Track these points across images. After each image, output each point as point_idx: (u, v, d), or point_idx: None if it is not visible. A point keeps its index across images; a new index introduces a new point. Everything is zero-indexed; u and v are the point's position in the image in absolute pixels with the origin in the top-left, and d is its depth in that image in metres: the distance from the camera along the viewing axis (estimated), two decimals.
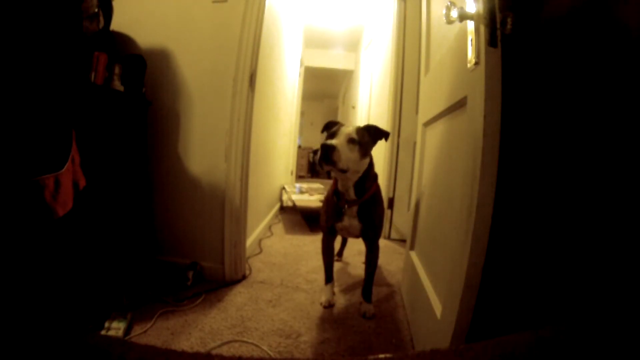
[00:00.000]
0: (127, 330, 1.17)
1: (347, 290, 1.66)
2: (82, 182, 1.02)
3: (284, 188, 3.90)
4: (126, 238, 1.45)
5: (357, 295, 1.56)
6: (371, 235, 1.44)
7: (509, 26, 0.74)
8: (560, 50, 0.72)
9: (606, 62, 0.61)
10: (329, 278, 1.54)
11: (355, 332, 1.27)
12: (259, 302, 1.47)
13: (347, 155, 1.21)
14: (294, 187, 4.02)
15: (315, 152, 8.96)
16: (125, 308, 1.26)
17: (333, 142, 1.19)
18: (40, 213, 0.85)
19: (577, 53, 0.68)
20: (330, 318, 1.37)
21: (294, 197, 3.43)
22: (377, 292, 1.63)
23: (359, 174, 1.31)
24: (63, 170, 0.89)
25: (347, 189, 1.34)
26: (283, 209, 3.71)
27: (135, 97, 1.49)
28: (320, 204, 1.32)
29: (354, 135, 1.22)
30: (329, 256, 1.54)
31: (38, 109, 0.85)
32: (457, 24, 0.92)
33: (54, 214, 0.87)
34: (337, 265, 1.94)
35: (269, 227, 2.83)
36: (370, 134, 1.31)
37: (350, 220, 1.37)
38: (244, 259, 1.78)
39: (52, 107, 0.90)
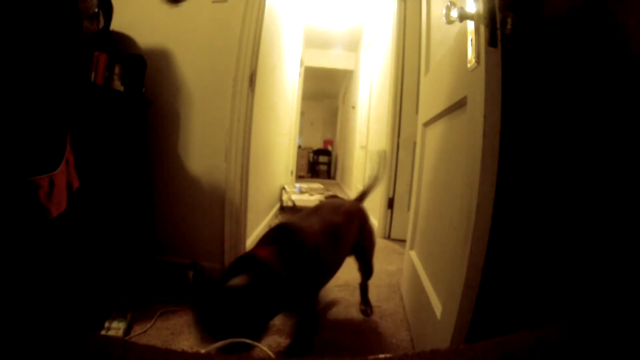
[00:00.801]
0: (127, 330, 1.17)
1: (347, 290, 1.66)
2: (76, 184, 1.01)
3: (284, 188, 3.90)
4: (127, 238, 1.45)
5: (356, 296, 1.56)
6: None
7: (509, 26, 0.74)
8: (560, 50, 0.72)
9: (605, 61, 0.61)
10: None
11: (356, 332, 1.27)
12: None
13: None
14: (294, 187, 4.02)
15: (315, 152, 8.97)
16: (125, 308, 1.26)
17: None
18: (35, 213, 0.85)
19: (577, 53, 0.68)
20: (330, 318, 1.37)
21: (294, 197, 3.44)
22: (377, 292, 1.63)
23: None
24: (57, 171, 0.89)
25: None
26: (283, 209, 3.71)
27: (135, 97, 1.49)
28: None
29: None
30: None
31: (34, 109, 0.85)
32: (457, 24, 0.92)
33: (48, 214, 0.87)
34: None
35: (269, 227, 2.83)
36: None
37: None
38: None
39: (48, 108, 0.90)
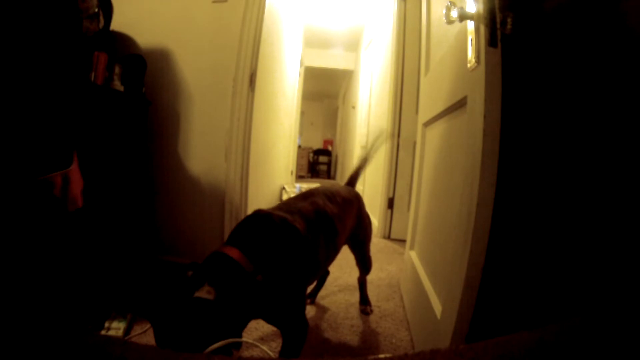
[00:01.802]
0: (127, 330, 1.17)
1: (346, 290, 1.66)
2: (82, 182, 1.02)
3: (283, 188, 3.90)
4: (128, 237, 1.45)
5: (356, 296, 1.56)
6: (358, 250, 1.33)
7: (509, 26, 0.74)
8: (561, 46, 0.72)
9: (606, 60, 0.61)
10: None
11: (355, 332, 1.27)
12: None
13: None
14: (294, 187, 4.02)
15: (315, 152, 8.97)
16: (125, 308, 1.26)
17: None
18: (50, 211, 0.85)
19: (578, 47, 0.68)
20: (330, 318, 1.37)
21: None
22: (377, 292, 1.63)
23: None
24: (71, 167, 0.90)
25: None
26: None
27: (135, 97, 1.49)
28: None
29: None
30: None
31: (42, 108, 0.85)
32: (457, 24, 0.92)
33: (64, 211, 0.88)
34: (335, 264, 1.93)
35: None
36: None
37: None
38: None
39: (57, 105, 0.90)
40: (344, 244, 1.20)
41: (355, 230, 1.23)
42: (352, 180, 1.41)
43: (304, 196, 1.05)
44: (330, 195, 1.09)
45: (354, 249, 1.31)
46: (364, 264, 1.37)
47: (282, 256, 0.79)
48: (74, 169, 0.92)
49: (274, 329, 1.25)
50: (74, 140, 0.94)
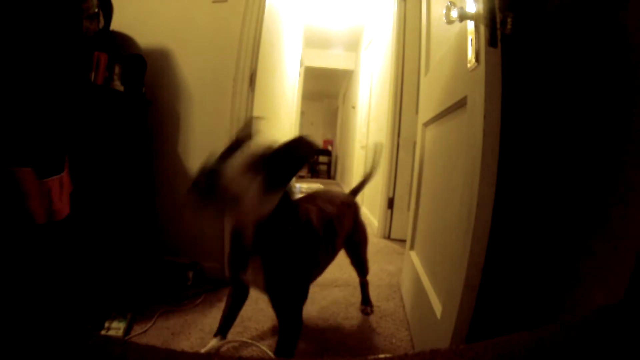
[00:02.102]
0: (127, 330, 1.17)
1: (347, 290, 1.66)
2: (71, 186, 1.02)
3: None
4: (129, 238, 1.45)
5: (356, 296, 1.56)
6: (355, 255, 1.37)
7: (509, 26, 0.74)
8: (562, 46, 0.72)
9: (606, 61, 0.61)
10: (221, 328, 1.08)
11: (355, 332, 1.27)
12: (259, 301, 1.47)
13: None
14: (294, 187, 4.02)
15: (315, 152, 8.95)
16: (125, 308, 1.26)
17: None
18: (50, 215, 0.85)
19: (577, 53, 0.68)
20: (330, 318, 1.37)
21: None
22: (377, 292, 1.63)
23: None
24: (64, 172, 0.90)
25: None
26: None
27: (135, 97, 1.49)
28: None
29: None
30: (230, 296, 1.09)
31: (40, 111, 0.85)
32: (457, 24, 0.92)
33: (59, 215, 0.88)
34: (335, 264, 1.91)
35: None
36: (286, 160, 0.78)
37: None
38: None
39: (53, 109, 0.90)
40: (341, 247, 1.24)
41: (352, 233, 1.27)
42: (356, 191, 1.45)
43: (306, 199, 1.10)
44: (330, 197, 1.16)
45: (350, 252, 1.35)
46: (361, 267, 1.40)
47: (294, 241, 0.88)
48: (67, 173, 0.92)
49: (274, 328, 1.25)
50: (67, 145, 0.94)
